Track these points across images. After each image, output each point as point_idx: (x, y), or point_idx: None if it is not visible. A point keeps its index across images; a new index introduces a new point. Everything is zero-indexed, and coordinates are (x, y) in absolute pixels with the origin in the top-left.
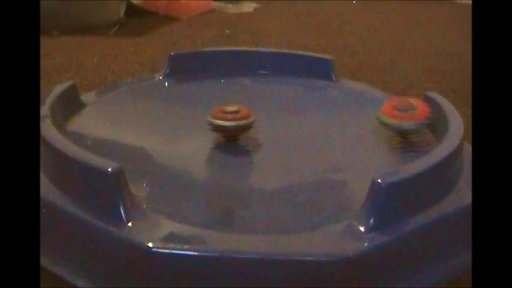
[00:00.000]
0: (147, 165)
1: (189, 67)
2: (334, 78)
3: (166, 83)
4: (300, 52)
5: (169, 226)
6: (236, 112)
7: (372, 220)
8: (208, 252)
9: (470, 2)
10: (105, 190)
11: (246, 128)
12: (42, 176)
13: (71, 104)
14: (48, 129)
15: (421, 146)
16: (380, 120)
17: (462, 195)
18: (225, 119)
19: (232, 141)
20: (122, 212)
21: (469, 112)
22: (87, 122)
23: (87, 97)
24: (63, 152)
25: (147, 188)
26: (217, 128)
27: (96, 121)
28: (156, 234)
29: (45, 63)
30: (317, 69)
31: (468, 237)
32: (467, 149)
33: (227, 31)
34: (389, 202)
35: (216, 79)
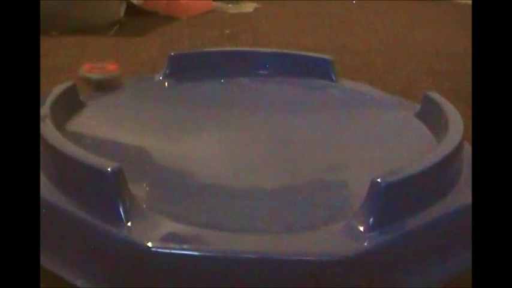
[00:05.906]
0: (147, 165)
1: (189, 67)
2: (334, 78)
3: (166, 83)
4: (300, 52)
5: (169, 226)
6: (102, 68)
7: (371, 220)
8: (208, 252)
9: (470, 2)
10: (105, 190)
11: (112, 80)
12: (42, 176)
13: (71, 104)
14: (48, 129)
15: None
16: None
17: (462, 195)
18: (92, 72)
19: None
20: (122, 212)
21: (469, 112)
22: (87, 122)
23: (87, 97)
24: (63, 152)
25: (147, 188)
26: (85, 80)
27: (96, 121)
28: (156, 234)
29: (45, 63)
30: (317, 69)
31: (468, 237)
32: (467, 149)
33: (227, 31)
34: (389, 202)
35: (216, 79)
